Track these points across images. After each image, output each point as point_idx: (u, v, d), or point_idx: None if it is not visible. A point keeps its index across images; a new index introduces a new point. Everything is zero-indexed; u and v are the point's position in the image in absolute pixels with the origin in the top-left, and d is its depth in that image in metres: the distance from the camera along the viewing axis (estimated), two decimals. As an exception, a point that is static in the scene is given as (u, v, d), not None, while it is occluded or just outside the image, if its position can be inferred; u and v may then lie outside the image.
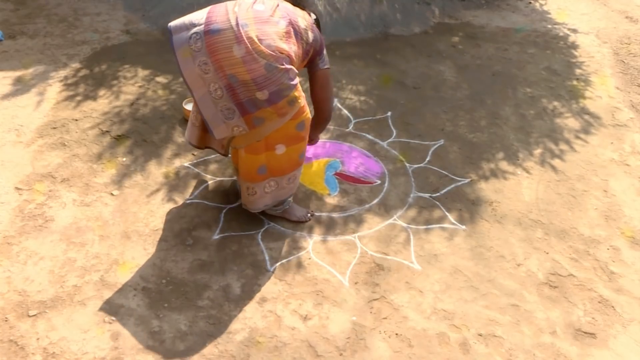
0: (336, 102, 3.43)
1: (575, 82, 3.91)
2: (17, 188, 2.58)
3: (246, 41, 1.99)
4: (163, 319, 2.04)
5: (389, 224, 2.56)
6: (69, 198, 2.54)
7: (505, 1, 5.23)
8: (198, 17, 2.07)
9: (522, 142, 3.22)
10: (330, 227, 2.51)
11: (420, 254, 2.41)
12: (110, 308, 2.06)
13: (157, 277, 2.20)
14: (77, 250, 2.29)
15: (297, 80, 2.12)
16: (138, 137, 2.99)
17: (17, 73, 3.48)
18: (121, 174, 2.71)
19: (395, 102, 3.51)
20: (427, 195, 2.75)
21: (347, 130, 3.21)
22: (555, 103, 3.64)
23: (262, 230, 2.46)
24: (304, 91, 2.23)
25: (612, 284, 2.34)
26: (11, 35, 3.92)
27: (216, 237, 2.41)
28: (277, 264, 2.30)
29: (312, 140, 2.69)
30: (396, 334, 2.06)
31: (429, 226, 2.57)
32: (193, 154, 2.89)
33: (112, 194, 2.59)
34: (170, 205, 2.55)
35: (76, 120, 3.07)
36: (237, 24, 2.01)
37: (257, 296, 2.16)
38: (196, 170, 2.79)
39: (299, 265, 2.31)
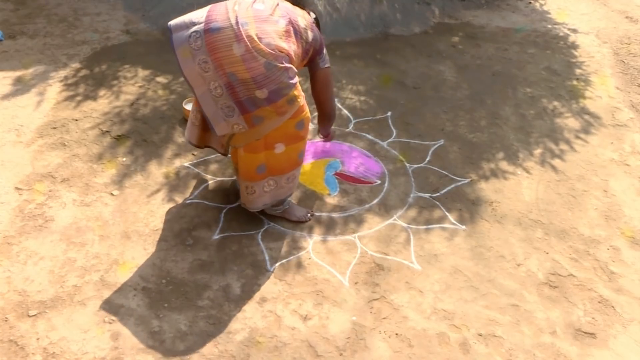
0: (336, 102, 3.43)
1: (575, 82, 3.91)
2: (17, 188, 2.58)
3: (246, 40, 1.99)
4: (163, 319, 2.04)
5: (389, 224, 2.56)
6: (69, 198, 2.54)
7: (505, 1, 5.23)
8: (198, 15, 2.07)
9: (522, 142, 3.22)
10: (330, 227, 2.51)
11: (420, 254, 2.41)
12: (110, 308, 2.06)
13: (157, 277, 2.20)
14: (77, 250, 2.29)
15: (296, 79, 2.12)
16: (138, 137, 2.99)
17: (17, 73, 3.48)
18: (121, 174, 2.71)
19: (395, 102, 3.51)
20: (427, 195, 2.75)
21: (347, 130, 3.21)
22: (555, 103, 3.64)
23: (262, 230, 2.46)
24: (303, 90, 2.23)
25: (612, 284, 2.34)
26: (11, 35, 3.92)
27: (216, 237, 2.41)
28: (277, 264, 2.30)
29: (326, 137, 2.76)
30: (396, 334, 2.06)
31: (429, 226, 2.57)
32: (193, 154, 2.89)
33: (112, 194, 2.59)
34: (170, 205, 2.55)
35: (76, 120, 3.07)
36: (237, 23, 2.01)
37: (257, 296, 2.16)
38: (196, 170, 2.79)
39: (299, 265, 2.31)
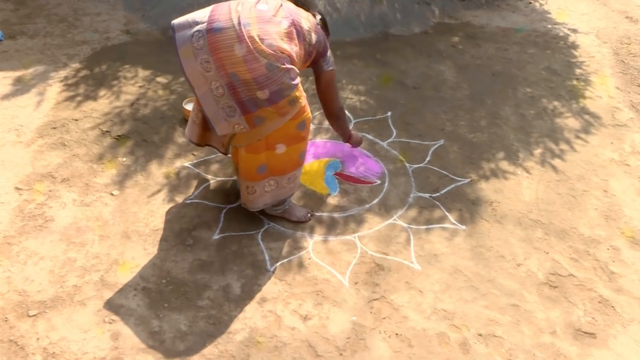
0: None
1: (575, 82, 3.91)
2: (17, 188, 2.58)
3: (247, 40, 1.99)
4: (163, 319, 2.04)
5: (389, 224, 2.56)
6: (69, 198, 2.54)
7: (505, 1, 5.23)
8: (201, 15, 2.08)
9: (522, 142, 3.22)
10: (330, 227, 2.51)
11: (420, 254, 2.41)
12: (110, 308, 2.06)
13: (157, 277, 2.20)
14: (77, 250, 2.29)
15: (298, 80, 2.12)
16: (138, 137, 2.99)
17: (17, 73, 3.48)
18: (121, 174, 2.71)
19: (395, 102, 3.51)
20: (427, 195, 2.75)
21: (347, 130, 3.21)
22: (555, 103, 3.64)
23: (262, 230, 2.46)
24: (305, 91, 2.23)
25: (612, 284, 2.34)
26: (11, 35, 3.92)
27: (216, 237, 2.41)
28: (277, 264, 2.30)
29: (349, 140, 2.73)
30: (396, 334, 2.06)
31: (429, 226, 2.57)
32: (193, 154, 2.89)
33: (112, 194, 2.59)
34: (170, 205, 2.55)
35: (76, 120, 3.07)
36: (239, 23, 2.01)
37: (257, 296, 2.16)
38: (197, 170, 2.79)
39: (299, 265, 2.31)
